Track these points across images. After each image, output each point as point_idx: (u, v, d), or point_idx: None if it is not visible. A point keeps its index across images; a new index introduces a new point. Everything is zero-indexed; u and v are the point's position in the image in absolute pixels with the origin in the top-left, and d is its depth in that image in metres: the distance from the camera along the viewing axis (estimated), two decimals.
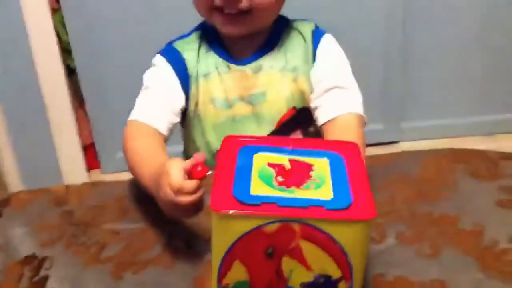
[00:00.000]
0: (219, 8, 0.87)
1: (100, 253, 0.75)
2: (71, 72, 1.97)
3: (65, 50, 1.92)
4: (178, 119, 0.93)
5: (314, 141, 0.76)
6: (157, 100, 0.90)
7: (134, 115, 0.89)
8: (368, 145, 0.87)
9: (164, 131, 0.88)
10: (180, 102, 0.93)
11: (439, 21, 1.97)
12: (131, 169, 0.81)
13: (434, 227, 0.76)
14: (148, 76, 0.94)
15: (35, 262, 0.74)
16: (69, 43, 1.90)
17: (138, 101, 0.92)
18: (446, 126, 2.11)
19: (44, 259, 0.74)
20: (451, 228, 0.75)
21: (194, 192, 0.65)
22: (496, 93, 2.09)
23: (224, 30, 0.91)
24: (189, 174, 0.66)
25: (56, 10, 1.88)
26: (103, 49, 1.91)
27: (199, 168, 0.66)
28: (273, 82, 0.93)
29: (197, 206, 0.67)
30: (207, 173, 0.65)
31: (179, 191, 0.65)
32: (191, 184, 0.65)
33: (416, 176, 0.86)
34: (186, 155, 1.01)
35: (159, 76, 0.93)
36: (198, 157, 0.66)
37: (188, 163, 0.66)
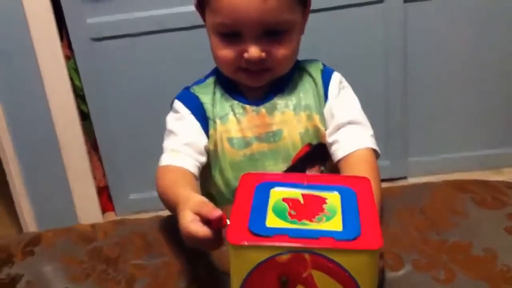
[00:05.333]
0: (244, 68, 0.93)
1: (130, 287, 0.78)
2: (84, 117, 2.03)
3: (79, 96, 1.99)
4: (205, 159, 0.97)
5: (328, 176, 0.80)
6: (183, 143, 0.95)
7: (163, 161, 0.94)
8: None
9: (193, 170, 0.92)
10: (204, 141, 0.97)
11: (438, 58, 2.03)
12: (165, 206, 0.87)
13: (447, 255, 0.79)
14: (170, 121, 0.99)
15: None
16: (82, 89, 1.97)
17: (165, 145, 0.97)
18: (452, 161, 2.15)
19: None
20: (464, 255, 0.79)
21: (209, 221, 0.67)
22: (499, 125, 2.14)
23: (249, 84, 0.97)
24: (209, 223, 0.68)
25: (69, 57, 1.95)
26: (115, 94, 1.97)
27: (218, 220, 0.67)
28: (287, 120, 0.98)
29: (214, 241, 0.69)
30: (227, 223, 0.66)
31: (193, 221, 0.68)
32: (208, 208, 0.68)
33: (426, 207, 0.90)
34: (205, 191, 1.04)
35: (181, 120, 0.98)
36: (215, 214, 0.67)
37: (202, 213, 0.69)
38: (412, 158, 2.15)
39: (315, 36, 1.79)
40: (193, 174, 0.92)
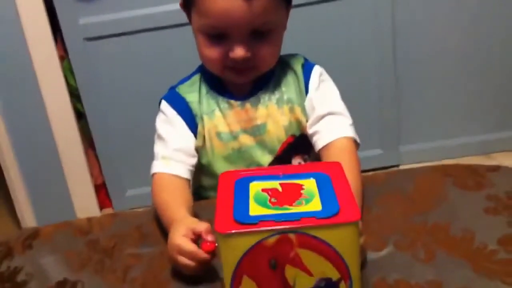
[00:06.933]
0: (231, 67, 0.96)
1: (126, 275, 0.82)
2: (80, 116, 2.06)
3: (74, 95, 2.02)
4: (195, 160, 1.01)
5: (301, 166, 0.85)
6: (173, 149, 0.99)
7: (156, 168, 0.98)
8: (369, 170, 0.95)
9: (186, 175, 0.97)
10: (193, 143, 1.01)
11: (428, 48, 2.06)
12: (161, 220, 0.92)
13: (428, 235, 0.82)
14: (159, 125, 1.03)
15: (67, 287, 0.81)
16: (77, 89, 2.00)
17: (156, 151, 1.01)
18: (443, 148, 2.18)
19: (75, 283, 0.82)
20: (443, 235, 0.82)
21: (195, 258, 0.76)
22: (489, 111, 2.17)
23: (236, 81, 1.00)
24: (199, 245, 0.76)
25: (63, 57, 1.97)
26: (110, 92, 2.00)
27: (208, 243, 0.75)
28: (271, 113, 1.02)
29: (199, 260, 0.76)
30: (215, 246, 0.74)
31: (185, 235, 0.77)
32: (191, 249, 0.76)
33: (410, 191, 0.94)
34: (194, 184, 1.08)
35: (169, 124, 1.02)
36: (207, 235, 0.76)
37: (197, 229, 0.77)
38: (404, 146, 2.18)
39: (307, 30, 1.83)
40: (186, 180, 0.97)
